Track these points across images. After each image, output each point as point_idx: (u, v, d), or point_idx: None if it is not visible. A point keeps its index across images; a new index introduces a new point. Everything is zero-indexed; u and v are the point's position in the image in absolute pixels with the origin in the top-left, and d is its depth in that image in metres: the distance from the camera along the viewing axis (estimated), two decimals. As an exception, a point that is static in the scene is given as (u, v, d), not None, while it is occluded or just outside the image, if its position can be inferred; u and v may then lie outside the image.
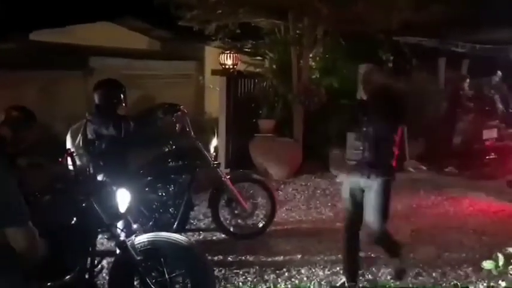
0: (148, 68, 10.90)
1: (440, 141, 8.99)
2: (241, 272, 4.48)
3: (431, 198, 7.05)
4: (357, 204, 4.03)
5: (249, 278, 4.37)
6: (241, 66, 9.08)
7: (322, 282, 4.28)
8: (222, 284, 4.25)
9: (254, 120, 8.77)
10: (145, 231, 3.87)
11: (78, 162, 3.42)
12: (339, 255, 4.44)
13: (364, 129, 3.94)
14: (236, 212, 5.43)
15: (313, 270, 4.54)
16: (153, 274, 3.42)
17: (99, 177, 3.70)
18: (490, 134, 8.63)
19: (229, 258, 4.81)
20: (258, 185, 5.60)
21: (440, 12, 9.27)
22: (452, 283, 4.06)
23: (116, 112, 4.58)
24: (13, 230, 1.98)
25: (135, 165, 4.95)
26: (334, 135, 8.29)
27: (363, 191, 4.01)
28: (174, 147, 5.05)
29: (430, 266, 4.60)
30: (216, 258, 4.78)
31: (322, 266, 4.61)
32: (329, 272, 4.49)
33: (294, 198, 7.10)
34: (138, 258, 3.33)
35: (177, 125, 4.94)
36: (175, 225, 4.90)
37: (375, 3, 8.40)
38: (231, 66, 8.76)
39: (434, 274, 4.46)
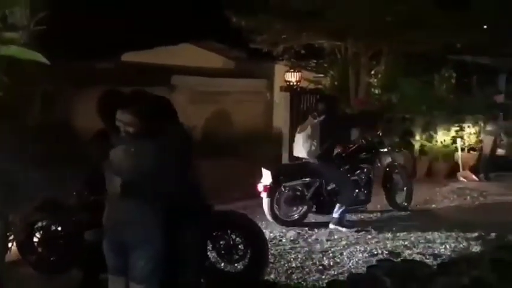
0: (223, 85, 12.13)
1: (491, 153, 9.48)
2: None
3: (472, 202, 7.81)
4: None
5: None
6: (304, 83, 10.08)
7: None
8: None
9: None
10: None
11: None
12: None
13: None
14: (403, 191, 7.09)
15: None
16: (221, 241, 4.47)
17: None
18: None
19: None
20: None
21: (498, 31, 9.78)
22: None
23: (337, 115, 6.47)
24: None
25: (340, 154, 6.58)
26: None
27: None
28: (364, 142, 6.85)
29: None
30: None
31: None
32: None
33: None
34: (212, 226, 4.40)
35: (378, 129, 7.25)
36: (364, 199, 6.59)
37: (430, 26, 9.05)
38: (295, 83, 9.78)
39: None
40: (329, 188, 6.40)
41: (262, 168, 6.28)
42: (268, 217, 6.26)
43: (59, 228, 4.70)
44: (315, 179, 6.35)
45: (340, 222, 6.13)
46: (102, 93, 3.69)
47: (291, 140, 9.45)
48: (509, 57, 11.22)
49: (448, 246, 5.51)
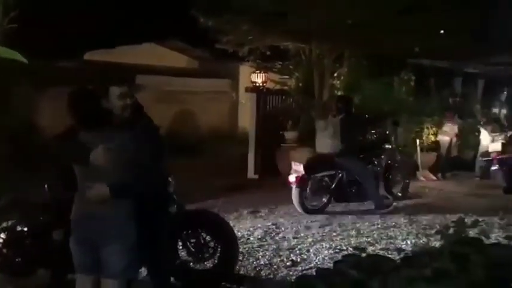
0: (187, 85, 12.14)
1: (447, 154, 9.90)
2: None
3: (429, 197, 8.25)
4: None
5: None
6: (270, 84, 10.21)
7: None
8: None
9: (280, 132, 9.86)
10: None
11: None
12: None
13: None
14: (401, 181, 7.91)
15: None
16: (191, 239, 4.52)
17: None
18: (495, 147, 9.44)
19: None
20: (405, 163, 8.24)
21: (454, 35, 10.17)
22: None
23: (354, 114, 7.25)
24: None
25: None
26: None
27: None
28: (375, 138, 7.85)
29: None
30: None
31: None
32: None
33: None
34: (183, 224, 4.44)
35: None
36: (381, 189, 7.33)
37: (391, 30, 9.33)
38: (261, 84, 9.90)
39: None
40: (349, 179, 7.06)
41: (292, 162, 7.07)
42: (297, 206, 6.87)
43: (25, 228, 4.63)
44: (337, 170, 7.04)
45: (381, 206, 6.88)
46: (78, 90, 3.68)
47: (257, 138, 9.62)
48: (465, 60, 11.70)
49: (409, 242, 5.73)
